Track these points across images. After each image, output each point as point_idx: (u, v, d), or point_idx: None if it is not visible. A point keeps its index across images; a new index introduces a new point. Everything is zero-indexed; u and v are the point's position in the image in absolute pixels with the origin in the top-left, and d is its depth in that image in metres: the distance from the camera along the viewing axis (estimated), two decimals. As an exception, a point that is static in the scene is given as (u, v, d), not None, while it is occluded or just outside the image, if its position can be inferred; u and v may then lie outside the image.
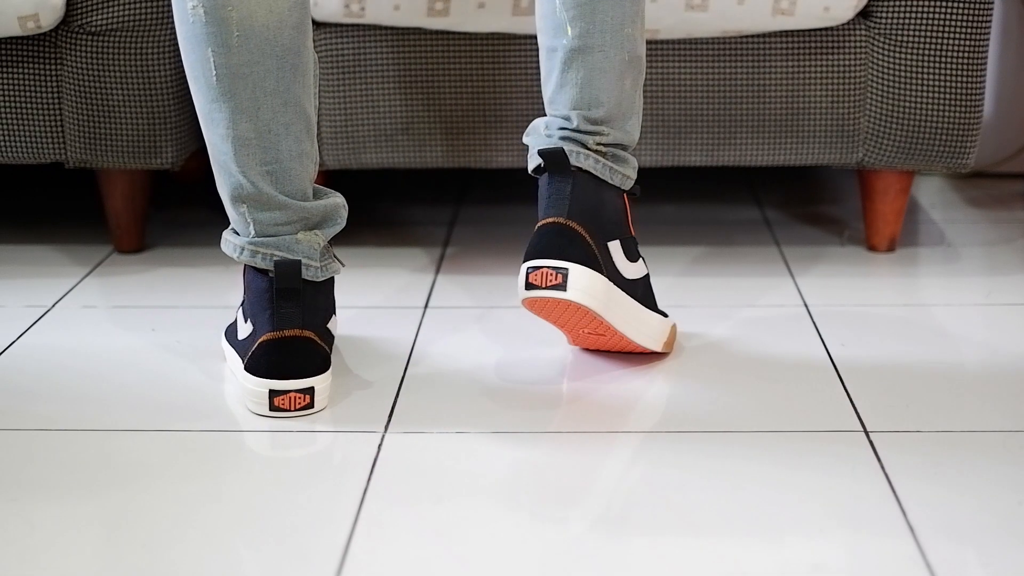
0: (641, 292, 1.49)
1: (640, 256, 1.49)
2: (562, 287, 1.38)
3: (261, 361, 1.39)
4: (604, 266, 1.42)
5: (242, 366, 1.43)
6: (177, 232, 2.04)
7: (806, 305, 1.72)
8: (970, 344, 1.62)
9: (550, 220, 1.41)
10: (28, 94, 1.81)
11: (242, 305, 1.48)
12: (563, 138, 1.45)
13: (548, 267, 1.38)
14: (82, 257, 1.92)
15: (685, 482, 1.28)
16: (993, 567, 1.13)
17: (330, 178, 1.95)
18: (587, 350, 1.56)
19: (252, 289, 1.43)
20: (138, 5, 1.79)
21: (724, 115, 1.83)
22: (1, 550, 1.17)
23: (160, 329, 1.66)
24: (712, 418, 1.40)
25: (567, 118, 1.45)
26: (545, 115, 1.49)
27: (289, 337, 1.39)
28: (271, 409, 1.40)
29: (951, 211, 2.15)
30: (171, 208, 2.16)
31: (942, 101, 1.81)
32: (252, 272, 1.43)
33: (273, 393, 1.39)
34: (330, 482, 1.28)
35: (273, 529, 1.19)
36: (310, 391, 1.40)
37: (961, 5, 1.77)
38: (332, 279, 1.46)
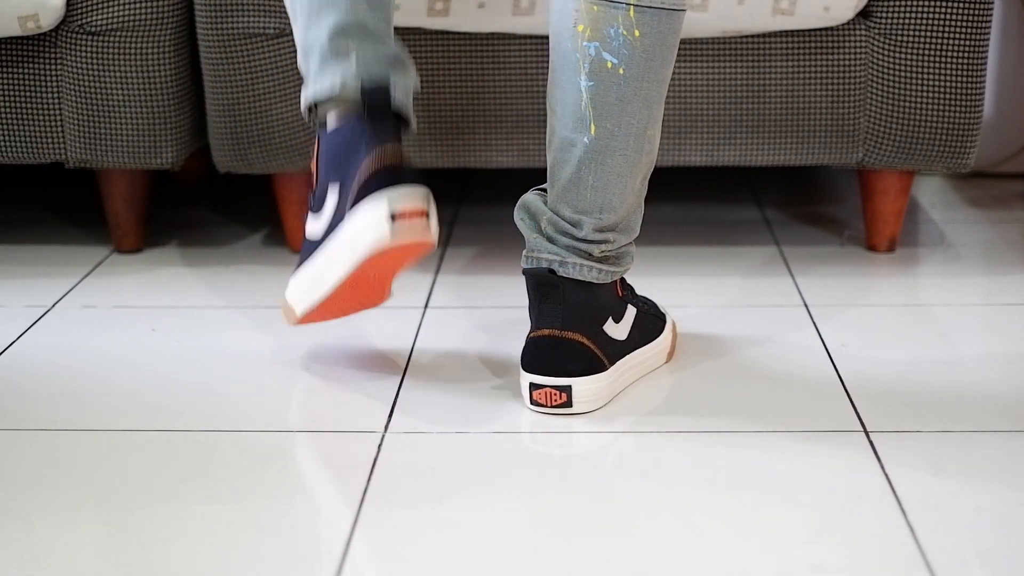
0: (638, 335, 1.48)
1: (626, 300, 1.47)
2: (568, 404, 1.40)
3: (372, 185, 1.34)
4: (605, 354, 1.41)
5: (336, 234, 1.38)
6: (177, 232, 2.04)
7: (806, 305, 1.72)
8: (970, 344, 1.62)
9: (544, 332, 1.40)
10: (28, 94, 1.81)
11: (310, 209, 1.44)
12: (567, 247, 1.41)
13: (551, 386, 1.39)
14: (82, 257, 1.92)
15: (685, 482, 1.28)
16: (993, 567, 1.13)
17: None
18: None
19: (333, 146, 1.40)
20: (138, 5, 1.79)
21: (724, 115, 1.83)
22: (1, 550, 1.17)
23: (160, 329, 1.66)
24: (712, 418, 1.40)
25: (575, 223, 1.40)
26: (535, 178, 1.46)
27: (393, 162, 1.35)
28: (393, 224, 1.33)
29: (951, 211, 2.15)
30: (171, 208, 2.16)
31: (942, 101, 1.81)
32: (335, 133, 1.41)
33: (394, 209, 1.33)
34: (330, 482, 1.28)
35: (273, 529, 1.19)
36: (423, 199, 1.35)
37: (961, 5, 1.77)
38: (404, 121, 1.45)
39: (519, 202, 1.45)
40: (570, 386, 1.39)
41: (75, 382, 1.51)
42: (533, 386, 1.40)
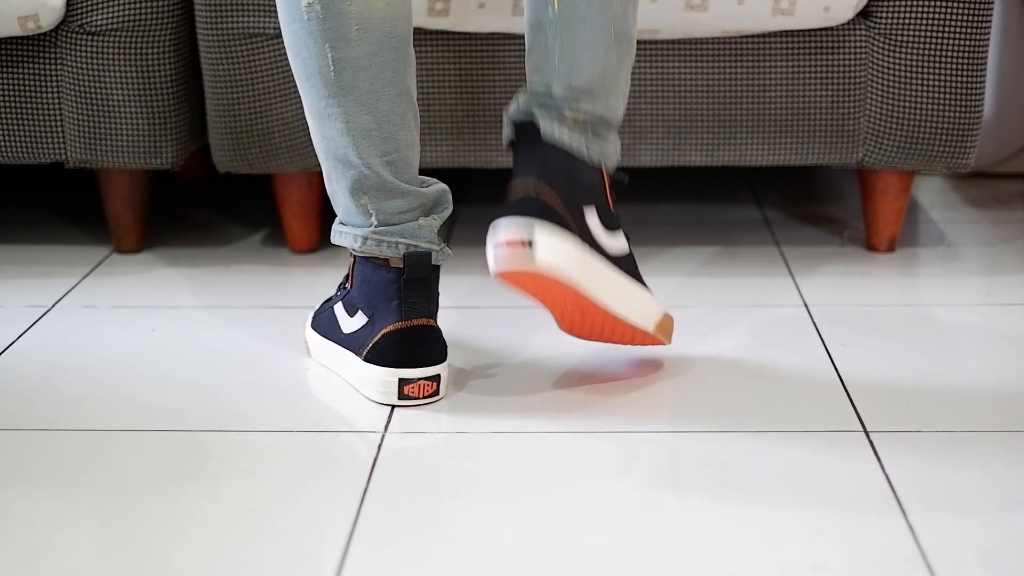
0: (626, 268, 1.45)
1: (624, 233, 1.45)
2: (530, 255, 1.35)
3: (389, 351, 1.41)
4: (578, 232, 1.38)
5: (357, 358, 1.45)
6: (177, 232, 2.04)
7: (806, 305, 1.72)
8: (970, 344, 1.62)
9: (519, 182, 1.39)
10: (28, 94, 1.81)
11: (343, 299, 1.49)
12: (538, 104, 1.42)
13: (514, 237, 1.35)
14: (82, 257, 1.92)
15: (684, 482, 1.28)
16: (993, 567, 1.13)
17: (330, 178, 1.95)
18: (588, 350, 1.56)
19: (372, 281, 1.44)
20: (138, 5, 1.79)
21: (724, 115, 1.83)
22: (1, 550, 1.17)
23: (160, 329, 1.66)
24: (712, 418, 1.40)
25: (546, 86, 1.43)
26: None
27: (417, 326, 1.41)
28: (400, 397, 1.42)
29: (951, 211, 2.15)
30: (171, 208, 2.16)
31: (942, 101, 1.81)
32: (371, 265, 1.44)
33: (403, 382, 1.41)
34: (330, 482, 1.28)
35: (273, 529, 1.19)
36: (437, 379, 1.43)
37: (961, 5, 1.77)
38: (439, 270, 1.47)
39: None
40: (533, 225, 1.35)
41: (75, 382, 1.51)
42: (497, 245, 1.37)
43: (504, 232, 1.36)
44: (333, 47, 1.39)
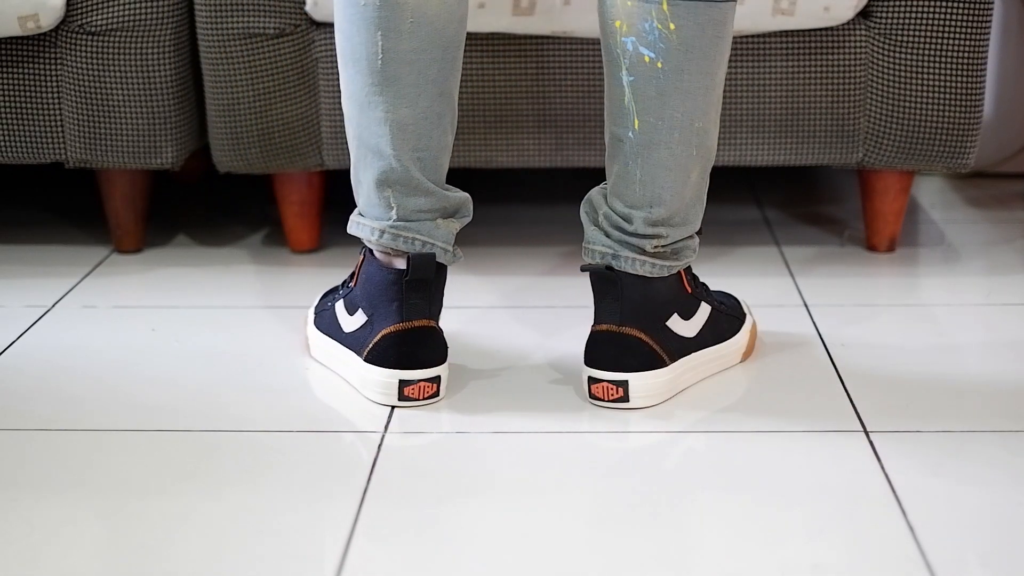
0: (709, 334, 1.48)
1: (699, 297, 1.47)
2: (624, 399, 1.41)
3: (390, 352, 1.42)
4: (666, 351, 1.42)
5: (357, 358, 1.45)
6: (177, 232, 2.04)
7: (806, 305, 1.72)
8: (970, 344, 1.62)
9: (603, 327, 1.41)
10: (28, 94, 1.81)
11: (344, 297, 1.49)
12: (620, 242, 1.41)
13: (608, 381, 1.41)
14: (82, 257, 1.92)
15: (684, 482, 1.28)
16: (993, 567, 1.13)
17: (330, 178, 1.95)
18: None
19: (374, 281, 1.44)
20: (138, 5, 1.79)
21: (724, 115, 1.83)
22: (1, 550, 1.16)
23: (160, 329, 1.66)
24: (712, 418, 1.40)
25: (627, 218, 1.41)
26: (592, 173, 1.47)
27: (418, 327, 1.42)
28: (400, 399, 1.42)
29: (951, 211, 2.15)
30: (171, 208, 2.16)
31: (942, 101, 1.81)
32: (376, 264, 1.44)
33: (404, 383, 1.42)
34: (330, 482, 1.28)
35: (273, 529, 1.19)
36: (437, 380, 1.43)
37: (961, 5, 1.77)
38: (445, 271, 1.47)
39: (585, 196, 1.46)
40: (627, 381, 1.40)
41: (75, 382, 1.51)
42: (591, 380, 1.42)
43: (597, 373, 1.42)
44: (384, 36, 1.39)
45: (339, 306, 1.50)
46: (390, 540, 1.18)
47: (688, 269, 1.46)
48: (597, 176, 1.61)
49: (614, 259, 1.41)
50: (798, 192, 2.26)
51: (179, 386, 1.50)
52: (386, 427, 1.39)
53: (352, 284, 1.49)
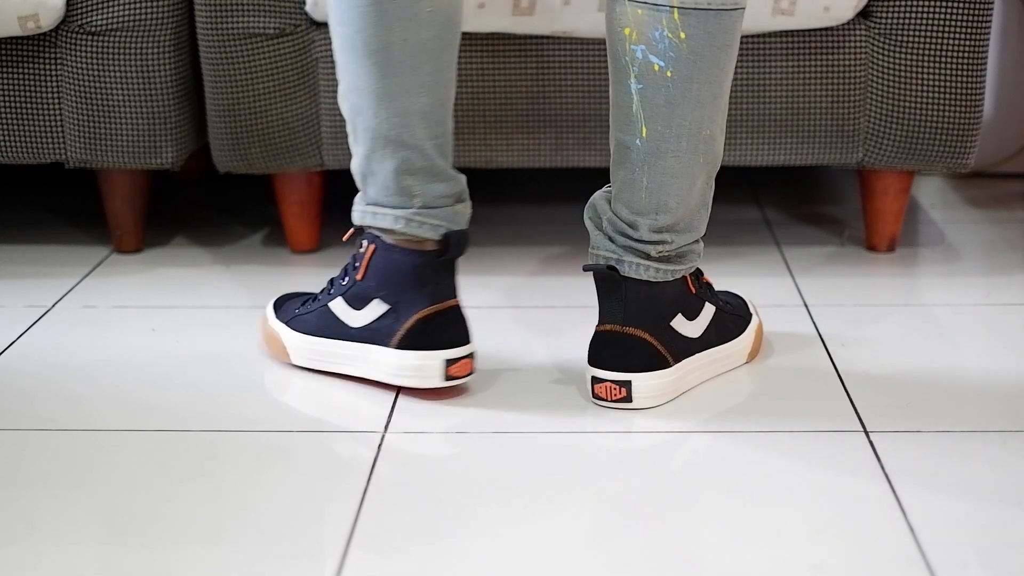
0: (714, 334, 1.48)
1: (703, 298, 1.47)
2: (628, 399, 1.41)
3: (429, 334, 1.42)
4: (670, 351, 1.42)
5: (382, 348, 1.44)
6: (177, 232, 2.04)
7: (806, 305, 1.72)
8: (970, 344, 1.62)
9: (607, 327, 1.41)
10: (28, 94, 1.81)
11: (344, 293, 1.47)
12: (625, 247, 1.41)
13: (611, 381, 1.41)
14: (82, 257, 1.92)
15: (684, 482, 1.28)
16: (993, 567, 1.13)
17: (329, 178, 1.95)
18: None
19: (399, 268, 1.43)
20: (138, 5, 1.79)
21: (724, 115, 1.83)
22: (1, 550, 1.17)
23: (160, 329, 1.66)
24: (712, 418, 1.40)
25: (632, 224, 1.41)
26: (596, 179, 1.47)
27: (451, 306, 1.43)
28: (446, 379, 1.43)
29: (951, 211, 2.15)
30: (171, 208, 2.16)
31: (942, 101, 1.81)
32: (398, 251, 1.44)
33: (449, 362, 1.43)
34: (330, 482, 1.28)
35: (273, 529, 1.19)
36: (472, 355, 1.45)
37: (961, 5, 1.77)
38: None
39: (589, 200, 1.46)
40: (630, 381, 1.40)
41: (75, 382, 1.51)
42: (595, 380, 1.42)
43: (599, 373, 1.41)
44: (405, 27, 1.39)
45: (337, 304, 1.49)
46: (390, 540, 1.18)
47: (693, 275, 1.46)
48: (597, 176, 1.62)
49: (619, 264, 1.41)
50: (798, 192, 2.26)
51: (179, 386, 1.50)
52: (386, 427, 1.39)
53: (359, 278, 1.47)
